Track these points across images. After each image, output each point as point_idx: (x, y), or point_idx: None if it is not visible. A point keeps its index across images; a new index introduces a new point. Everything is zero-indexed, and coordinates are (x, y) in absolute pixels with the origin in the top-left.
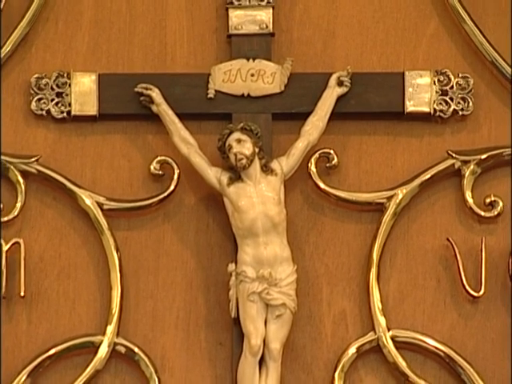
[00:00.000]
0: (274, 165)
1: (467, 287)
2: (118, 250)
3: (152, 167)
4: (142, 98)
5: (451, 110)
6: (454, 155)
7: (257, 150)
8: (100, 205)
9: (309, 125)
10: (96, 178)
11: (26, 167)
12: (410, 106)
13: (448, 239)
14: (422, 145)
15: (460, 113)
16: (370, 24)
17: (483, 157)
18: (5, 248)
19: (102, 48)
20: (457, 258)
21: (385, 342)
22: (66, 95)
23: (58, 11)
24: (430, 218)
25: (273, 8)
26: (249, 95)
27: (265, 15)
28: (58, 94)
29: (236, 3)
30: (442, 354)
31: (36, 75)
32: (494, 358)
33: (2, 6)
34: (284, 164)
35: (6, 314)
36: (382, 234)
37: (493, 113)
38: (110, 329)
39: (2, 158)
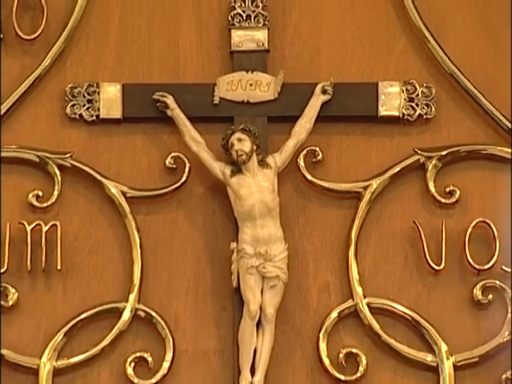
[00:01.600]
0: (269, 160)
1: (430, 262)
2: (138, 231)
3: (167, 162)
4: (158, 104)
5: (417, 114)
6: (419, 152)
7: (255, 147)
8: (124, 193)
9: (298, 126)
10: (120, 171)
11: (62, 162)
12: (382, 111)
13: (414, 222)
14: (393, 143)
15: (424, 116)
16: (349, 42)
17: (443, 153)
18: (44, 229)
19: (125, 62)
20: (421, 238)
21: (361, 308)
22: (96, 101)
23: (88, 32)
24: (399, 205)
25: (268, 29)
26: (248, 101)
27: (261, 35)
28: (89, 101)
29: (237, 25)
30: (408, 317)
31: (70, 85)
32: (451, 320)
33: (41, 28)
34: (277, 159)
35: (46, 284)
36: (359, 217)
37: (452, 117)
38: (132, 296)
39: (42, 154)
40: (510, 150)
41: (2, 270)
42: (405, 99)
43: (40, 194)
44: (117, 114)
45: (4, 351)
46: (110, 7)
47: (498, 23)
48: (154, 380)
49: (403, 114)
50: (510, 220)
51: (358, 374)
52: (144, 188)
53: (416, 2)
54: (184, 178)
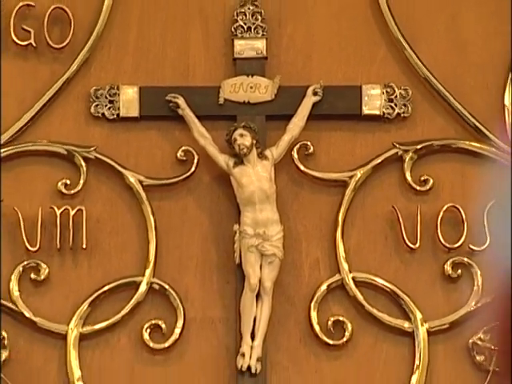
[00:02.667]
0: (267, 153)
1: (407, 241)
2: (153, 215)
3: (178, 154)
4: (170, 104)
5: (395, 113)
6: (397, 146)
7: (254, 142)
8: (140, 182)
9: (292, 124)
10: (137, 163)
11: (87, 154)
12: (365, 110)
13: (393, 207)
14: (374, 138)
15: (402, 115)
16: (337, 50)
17: (419, 147)
18: (71, 213)
19: (142, 67)
20: (399, 221)
21: (347, 282)
22: (116, 102)
23: (110, 41)
24: (380, 192)
25: (266, 39)
26: (249, 102)
27: (260, 44)
28: (110, 101)
29: (239, 35)
30: (388, 289)
31: (94, 87)
32: (425, 292)
33: (69, 39)
34: (274, 152)
35: (73, 261)
36: (345, 203)
37: (426, 115)
38: (148, 272)
39: (70, 147)
40: (476, 144)
41: (35, 249)
42: (385, 100)
43: (68, 182)
44: (134, 112)
45: (37, 319)
46: (128, 20)
47: (466, 33)
48: (167, 344)
49: (383, 113)
50: (477, 205)
51: (344, 339)
52: (158, 177)
53: (394, 15)
54: (193, 169)
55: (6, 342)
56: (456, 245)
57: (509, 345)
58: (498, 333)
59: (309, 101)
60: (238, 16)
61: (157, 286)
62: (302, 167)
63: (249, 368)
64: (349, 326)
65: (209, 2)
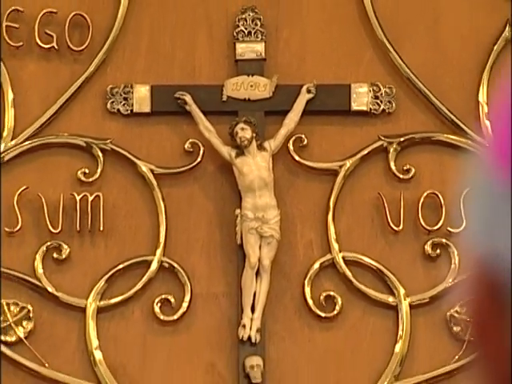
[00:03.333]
0: (266, 144)
1: (391, 224)
2: (163, 200)
3: (186, 146)
4: (179, 101)
5: (381, 109)
6: (382, 138)
7: (254, 135)
8: (152, 171)
9: (288, 119)
10: (149, 153)
11: (104, 146)
12: (354, 106)
13: (379, 193)
14: (362, 132)
15: (387, 111)
16: (328, 53)
17: (402, 139)
18: (90, 199)
19: (153, 68)
20: (384, 206)
21: (337, 260)
22: (130, 99)
23: (124, 45)
24: (367, 180)
25: (265, 42)
26: (249, 99)
27: (259, 47)
28: (125, 98)
29: (241, 39)
30: (374, 267)
31: (110, 86)
32: (408, 269)
33: (88, 42)
34: (272, 144)
35: (91, 242)
36: (336, 189)
37: (408, 111)
38: (159, 251)
39: (88, 140)
40: (453, 137)
41: (57, 231)
42: (371, 97)
43: (86, 171)
44: (146, 108)
45: (59, 294)
46: (141, 26)
47: (445, 38)
48: (175, 317)
49: (370, 109)
50: (454, 191)
51: (335, 312)
52: (168, 167)
53: (380, 22)
54: (199, 159)
55: (31, 315)
56: (435, 227)
57: (481, 316)
58: (471, 306)
59: (303, 98)
60: (239, 22)
61: (166, 265)
62: (296, 157)
63: (249, 338)
64: (339, 300)
65: (213, 10)
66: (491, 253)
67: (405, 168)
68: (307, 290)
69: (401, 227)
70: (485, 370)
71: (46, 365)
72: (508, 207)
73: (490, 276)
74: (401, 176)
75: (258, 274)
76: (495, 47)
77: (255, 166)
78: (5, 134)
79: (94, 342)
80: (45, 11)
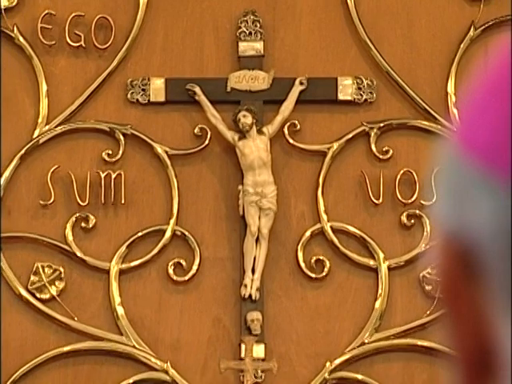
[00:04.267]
0: (264, 129)
1: (372, 198)
2: (176, 177)
3: (195, 131)
4: (189, 92)
5: (363, 98)
6: (365, 124)
7: (254, 121)
8: (166, 152)
9: (283, 107)
10: (164, 137)
11: (125, 131)
12: (340, 96)
13: (361, 171)
14: (347, 118)
15: (368, 100)
16: (318, 50)
17: (381, 125)
18: (113, 176)
19: (167, 63)
20: (366, 182)
21: (326, 229)
22: (147, 90)
23: (142, 43)
24: (352, 159)
25: (263, 41)
26: (250, 90)
27: (259, 45)
28: (143, 89)
29: (243, 39)
30: (358, 235)
31: (130, 79)
32: (387, 237)
33: (111, 41)
34: (270, 129)
35: (114, 213)
36: (325, 168)
37: (387, 100)
38: (172, 221)
39: (111, 125)
40: (425, 123)
41: (85, 204)
42: (355, 88)
43: (110, 152)
44: (161, 98)
45: (86, 258)
46: (157, 27)
47: (418, 37)
48: (186, 277)
49: (354, 99)
50: (426, 170)
51: (324, 273)
52: (180, 148)
53: (363, 23)
54: (207, 142)
55: (62, 276)
56: (410, 200)
57: (448, 279)
58: (440, 270)
59: (296, 89)
60: (241, 24)
61: (179, 233)
62: (291, 141)
63: (250, 296)
64: (327, 263)
65: (219, 13)
66: (458, 224)
67: (384, 149)
68: (300, 254)
69: (380, 200)
70: (451, 326)
71: (75, 319)
72: (472, 183)
73: (456, 244)
74: (380, 156)
75: (257, 240)
76: (462, 45)
77: (255, 148)
78: (39, 120)
79: (117, 299)
80: (74, 14)
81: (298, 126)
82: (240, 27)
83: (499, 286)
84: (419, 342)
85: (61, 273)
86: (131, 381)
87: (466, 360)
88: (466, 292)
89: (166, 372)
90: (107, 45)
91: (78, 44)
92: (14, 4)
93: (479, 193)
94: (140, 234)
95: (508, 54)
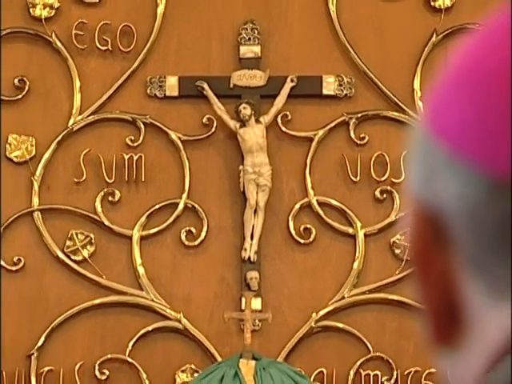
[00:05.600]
0: (261, 119)
1: (351, 176)
2: (188, 159)
3: (203, 120)
4: (199, 88)
5: (344, 93)
6: (345, 114)
7: (253, 112)
8: (179, 138)
9: (277, 101)
10: (178, 125)
11: (145, 120)
12: (324, 91)
13: (342, 154)
14: (331, 109)
15: (348, 95)
16: (306, 53)
17: (359, 115)
18: (135, 158)
19: (180, 64)
20: (346, 163)
21: (313, 202)
22: (163, 86)
23: (159, 47)
24: (334, 144)
25: (260, 45)
26: (249, 87)
27: (257, 49)
28: (160, 86)
29: (243, 43)
30: (339, 208)
31: (149, 77)
32: (363, 209)
33: (133, 45)
34: (266, 119)
35: (136, 189)
36: (312, 151)
37: (363, 95)
38: (184, 196)
39: (133, 115)
40: (396, 114)
41: (112, 181)
42: (337, 85)
43: (132, 138)
44: (175, 93)
45: (113, 226)
46: (171, 34)
47: (390, 41)
48: (196, 243)
49: (336, 94)
50: (396, 153)
51: (310, 239)
52: (191, 135)
53: (344, 31)
54: (213, 130)
55: (93, 241)
56: (383, 178)
57: (418, 245)
58: (412, 233)
59: (288, 86)
60: (242, 31)
61: (190, 205)
62: (283, 128)
63: (249, 258)
64: (313, 231)
65: (223, 22)
66: (429, 197)
67: (361, 136)
68: (290, 223)
69: (358, 178)
70: (421, 284)
71: (104, 277)
72: (441, 163)
73: (427, 214)
74: (358, 142)
75: (255, 212)
76: (425, 49)
77: (253, 135)
78: (73, 111)
79: (138, 261)
80: (102, 23)
81: (290, 116)
82: (241, 33)
83: (464, 249)
84: (390, 296)
85: (91, 239)
86: (150, 328)
87: (434, 313)
88: (435, 254)
89: (179, 321)
90: (130, 48)
91: (105, 48)
92: (52, 14)
93: (447, 171)
94: (157, 206)
95: (472, 44)
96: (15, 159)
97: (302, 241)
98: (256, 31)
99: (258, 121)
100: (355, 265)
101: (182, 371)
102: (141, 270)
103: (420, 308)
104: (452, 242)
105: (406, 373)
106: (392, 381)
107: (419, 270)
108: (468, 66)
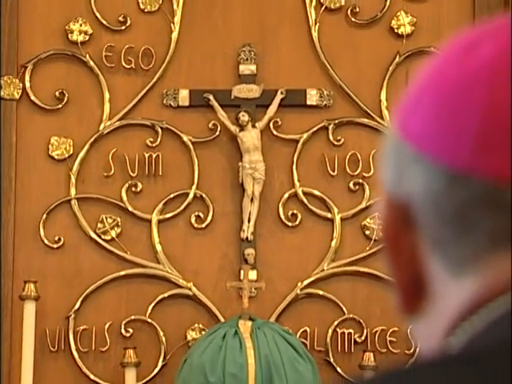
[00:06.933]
0: (257, 124)
1: (330, 171)
2: (197, 157)
3: (209, 125)
4: (205, 99)
5: (324, 103)
6: (325, 121)
7: (250, 119)
8: (190, 140)
9: (269, 110)
10: (189, 130)
11: (161, 125)
12: (308, 102)
13: (323, 153)
14: (313, 116)
15: (327, 105)
16: (294, 70)
17: (336, 121)
18: (153, 156)
19: (190, 79)
20: (326, 161)
21: (298, 192)
22: (177, 97)
23: (173, 66)
24: (315, 146)
25: (256, 64)
26: (247, 98)
27: (253, 67)
28: (174, 97)
29: (242, 62)
30: (319, 196)
31: (165, 90)
32: (339, 197)
33: (152, 64)
34: (260, 124)
35: (154, 181)
36: (298, 151)
37: (340, 105)
38: (194, 187)
39: (152, 121)
40: (366, 120)
41: (135, 175)
42: (318, 97)
43: (151, 140)
44: (186, 103)
45: (135, 211)
46: (183, 54)
47: (361, 60)
48: (203, 225)
49: (318, 104)
50: (366, 151)
51: (297, 222)
52: (199, 137)
53: (324, 52)
54: (217, 133)
55: (119, 224)
56: (355, 173)
57: (388, 229)
58: (384, 218)
59: (278, 97)
60: (241, 52)
61: (198, 195)
62: (275, 132)
63: (247, 238)
64: (299, 215)
65: (226, 45)
66: (399, 189)
67: (338, 138)
68: (280, 210)
69: (335, 173)
70: (391, 261)
71: (128, 253)
72: (409, 161)
73: (398, 202)
74: (335, 143)
75: (252, 200)
76: (390, 68)
77: (250, 137)
78: (104, 118)
79: (156, 240)
80: (127, 46)
81: (280, 122)
82: (240, 55)
83: (429, 232)
84: (361, 269)
85: (118, 222)
86: (166, 295)
87: (403, 286)
88: (404, 236)
89: (190, 289)
90: (149, 67)
91: (129, 66)
92: (86, 39)
93: (414, 168)
94: (172, 195)
95: (431, 64)
96: (56, 157)
97: (289, 224)
98: (252, 53)
99: (254, 126)
100: (333, 243)
101: (192, 329)
102: (158, 247)
103: (389, 280)
104: (419, 226)
105: (374, 331)
106: (362, 337)
107: (391, 250)
108: (426, 83)
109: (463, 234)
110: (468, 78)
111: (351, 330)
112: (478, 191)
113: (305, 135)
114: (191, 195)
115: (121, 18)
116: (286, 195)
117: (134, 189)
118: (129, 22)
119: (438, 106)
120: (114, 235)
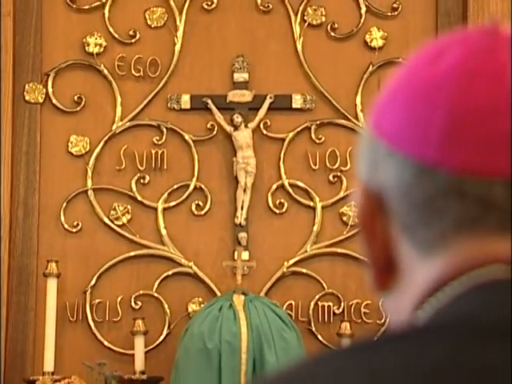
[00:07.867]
0: (249, 125)
1: (312, 165)
2: (197, 153)
3: (208, 125)
4: (204, 103)
5: (307, 107)
6: (308, 122)
7: (243, 120)
8: (191, 138)
9: (259, 112)
10: (190, 129)
11: (166, 125)
12: (293, 106)
13: (306, 150)
14: (300, 119)
15: (310, 108)
16: (281, 78)
17: (318, 122)
18: (159, 152)
19: (191, 86)
20: (308, 156)
21: (285, 184)
22: (179, 101)
23: (176, 74)
24: (298, 143)
25: (248, 72)
26: (240, 102)
27: (246, 75)
28: (177, 101)
29: (236, 71)
30: (303, 187)
31: (169, 94)
32: (321, 189)
33: (158, 72)
34: (252, 125)
35: (160, 174)
36: (284, 148)
37: (321, 109)
38: (194, 179)
39: (158, 122)
40: (343, 121)
41: (143, 168)
42: (302, 101)
43: (158, 138)
44: (188, 106)
45: (144, 201)
46: (185, 63)
47: (340, 69)
48: (203, 212)
49: (302, 107)
50: (344, 148)
51: (283, 210)
52: (199, 136)
53: (307, 63)
54: (214, 132)
55: (129, 211)
56: (334, 167)
57: (364, 217)
58: (360, 205)
59: (267, 102)
60: (235, 62)
61: (198, 186)
62: (264, 132)
63: (240, 223)
64: (285, 204)
65: (222, 56)
66: (374, 181)
67: (319, 137)
68: (269, 198)
69: (317, 167)
70: (366, 243)
71: (137, 236)
72: (383, 156)
73: (372, 192)
74: (317, 141)
75: (244, 191)
76: (364, 76)
77: (243, 136)
78: (116, 119)
79: (162, 225)
80: (136, 56)
81: (269, 123)
82: (234, 64)
83: (399, 218)
84: (339, 250)
85: (128, 209)
86: (170, 273)
87: (376, 265)
88: (378, 221)
89: (191, 268)
90: (156, 75)
91: (138, 74)
92: (101, 51)
93: (387, 162)
94: (175, 186)
95: (401, 70)
96: (74, 153)
97: (277, 211)
98: (245, 63)
99: (246, 126)
100: (315, 228)
101: (193, 303)
102: (163, 231)
103: (364, 260)
104: (391, 213)
105: (350, 304)
106: (340, 309)
107: (366, 234)
108: (397, 87)
109: (430, 220)
110: (435, 80)
111: (330, 303)
112: (444, 182)
113: (290, 134)
114: (192, 186)
115: (131, 33)
116: (274, 186)
117: (142, 181)
118: (138, 35)
119: (407, 107)
120: (124, 221)
